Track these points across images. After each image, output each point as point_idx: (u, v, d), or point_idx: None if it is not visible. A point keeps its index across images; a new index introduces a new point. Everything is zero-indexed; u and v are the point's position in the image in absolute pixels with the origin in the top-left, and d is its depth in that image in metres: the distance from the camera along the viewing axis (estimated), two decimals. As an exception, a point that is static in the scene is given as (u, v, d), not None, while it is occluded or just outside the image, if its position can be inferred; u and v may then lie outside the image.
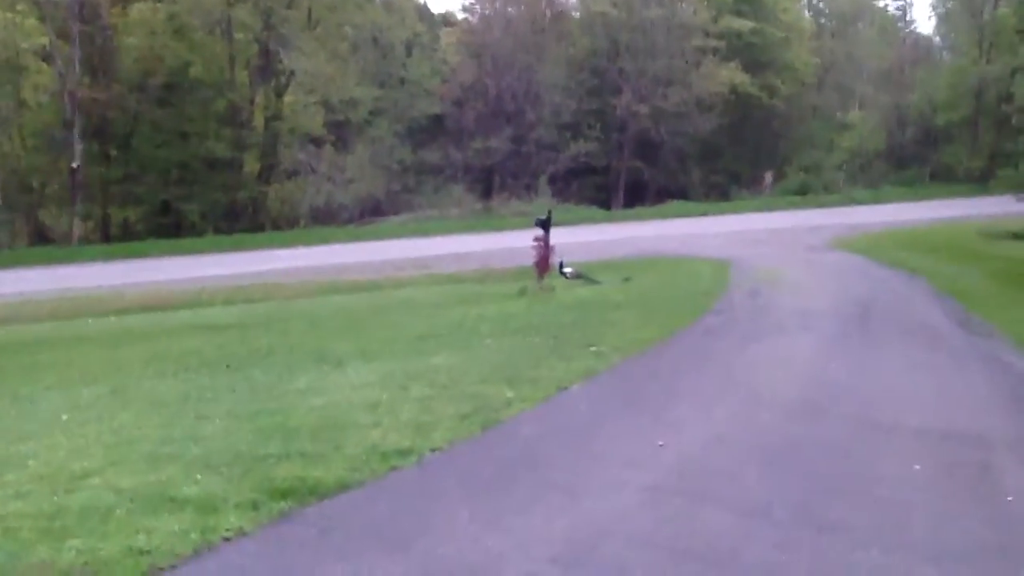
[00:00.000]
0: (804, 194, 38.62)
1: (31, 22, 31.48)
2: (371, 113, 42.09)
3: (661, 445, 5.55)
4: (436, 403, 6.30)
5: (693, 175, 43.67)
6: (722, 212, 33.76)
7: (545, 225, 14.17)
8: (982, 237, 22.11)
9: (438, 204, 38.61)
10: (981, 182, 35.55)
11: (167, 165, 34.99)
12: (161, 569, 3.54)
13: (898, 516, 4.54)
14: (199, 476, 4.62)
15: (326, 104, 38.42)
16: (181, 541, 3.75)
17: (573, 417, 6.31)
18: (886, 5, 54.42)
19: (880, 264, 17.01)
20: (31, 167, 33.25)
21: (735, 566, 3.89)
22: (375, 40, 43.13)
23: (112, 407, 7.28)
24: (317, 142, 38.36)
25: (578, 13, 46.24)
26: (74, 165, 31.31)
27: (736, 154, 45.43)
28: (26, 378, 9.98)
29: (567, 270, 15.24)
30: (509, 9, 44.70)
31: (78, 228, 32.35)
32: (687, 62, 41.67)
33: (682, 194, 40.82)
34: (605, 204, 39.80)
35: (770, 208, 34.14)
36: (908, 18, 59.89)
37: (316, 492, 4.44)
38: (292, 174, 38.74)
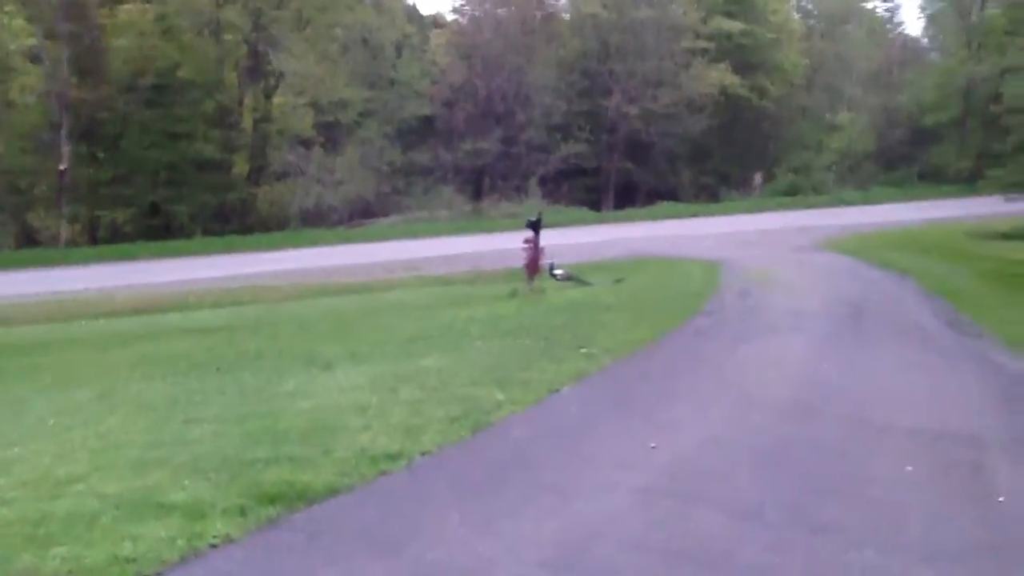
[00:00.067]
0: (794, 195, 38.75)
1: (19, 22, 31.26)
2: (361, 114, 41.99)
3: (653, 447, 5.53)
4: (426, 406, 6.26)
5: (683, 176, 43.73)
6: (712, 213, 33.82)
7: (535, 227, 14.14)
8: (971, 237, 22.20)
9: (428, 206, 38.53)
10: (970, 182, 35.71)
11: (156, 166, 34.76)
12: (147, 577, 3.50)
13: (892, 516, 4.53)
14: (186, 481, 4.57)
15: (315, 105, 38.32)
16: (167, 548, 3.70)
17: (564, 419, 6.29)
18: (875, 7, 54.87)
19: (870, 265, 17.05)
20: (19, 169, 32.98)
21: (728, 568, 3.87)
22: (365, 41, 43.06)
23: (99, 411, 7.21)
24: (307, 143, 38.28)
25: (568, 15, 46.23)
26: (62, 167, 31.13)
27: (726, 155, 45.49)
28: (13, 381, 9.92)
29: (557, 272, 15.22)
30: (499, 10, 44.61)
31: (66, 230, 32.18)
32: (677, 63, 41.68)
33: (672, 195, 40.86)
34: (595, 205, 39.81)
35: (760, 209, 34.23)
36: (896, 19, 60.23)
37: (305, 497, 4.39)
38: (281, 176, 38.62)
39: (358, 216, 38.62)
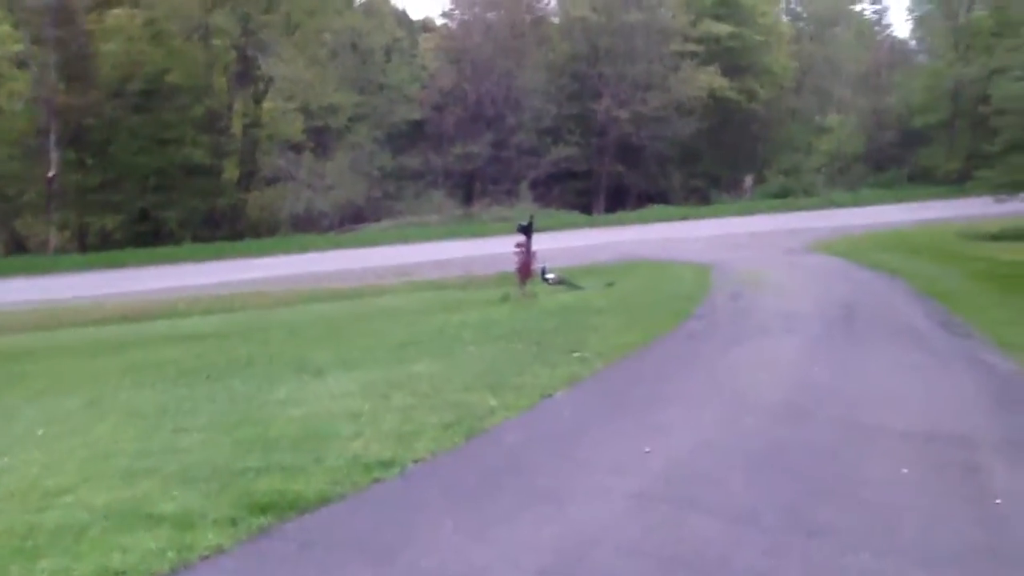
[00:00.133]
0: (784, 197, 38.80)
1: (6, 28, 31.10)
2: (351, 119, 41.92)
3: (647, 451, 5.51)
4: (418, 412, 6.22)
5: (673, 179, 43.78)
6: (703, 216, 33.85)
7: (527, 231, 14.11)
8: (962, 238, 22.27)
9: (419, 210, 38.44)
10: (959, 183, 35.82)
11: (145, 172, 34.60)
12: (136, 589, 3.45)
13: (888, 519, 4.51)
14: (176, 491, 4.53)
15: (305, 110, 38.25)
16: (157, 560, 3.66)
17: (558, 424, 6.25)
18: (863, 9, 54.91)
19: (861, 266, 17.08)
20: (7, 175, 32.71)
21: (725, 573, 3.85)
22: (354, 46, 42.97)
23: (88, 419, 7.16)
24: (296, 148, 38.19)
25: (557, 18, 46.26)
26: (50, 173, 30.97)
27: (716, 158, 45.57)
28: (2, 390, 9.84)
29: (549, 276, 15.18)
30: (488, 14, 44.61)
31: (55, 237, 32.00)
32: (666, 66, 41.72)
33: (663, 198, 40.87)
34: (586, 209, 39.79)
35: (750, 212, 34.27)
36: (884, 22, 60.49)
37: (296, 506, 4.35)
38: (271, 181, 38.51)
39: (349, 221, 38.53)
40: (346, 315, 14.78)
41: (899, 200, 34.88)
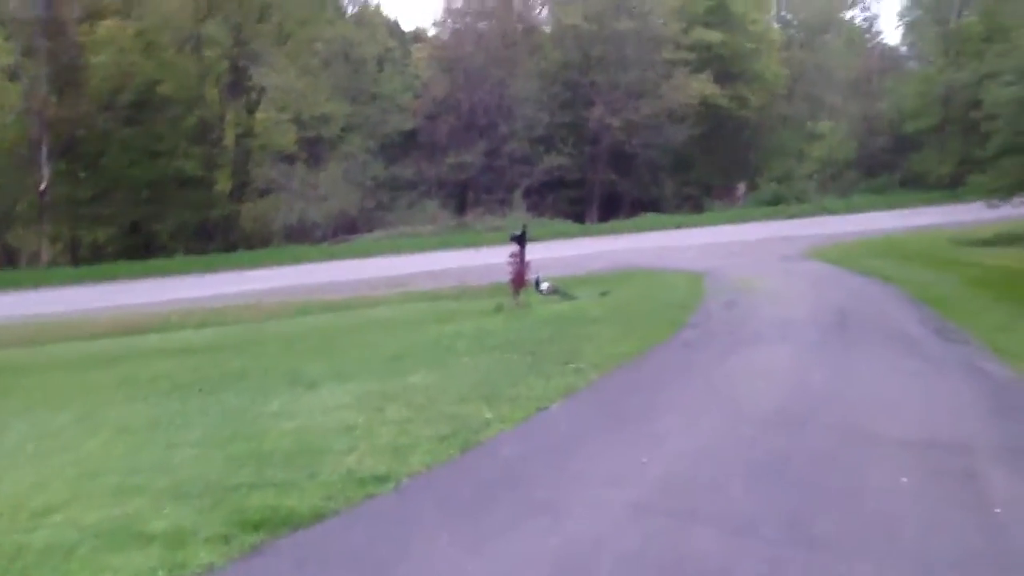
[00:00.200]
0: (776, 204, 38.80)
1: (-4, 41, 31.13)
2: (343, 129, 41.90)
3: (644, 462, 5.46)
4: (413, 425, 6.17)
5: (666, 187, 43.83)
6: (696, 224, 33.87)
7: (520, 240, 14.07)
8: (955, 244, 22.29)
9: (412, 220, 38.38)
10: (951, 188, 35.93)
11: (137, 184, 34.52)
12: (127, 610, 3.40)
13: (888, 528, 4.48)
14: (168, 508, 4.47)
15: (298, 120, 38.22)
16: (148, 579, 3.60)
17: (554, 436, 6.21)
18: (853, 16, 55.11)
19: (855, 273, 17.07)
20: (-3, 188, 32.76)
21: (724, 589, 3.81)
22: (346, 56, 43.00)
23: (79, 435, 7.08)
24: (289, 159, 38.15)
25: (549, 27, 46.35)
26: (42, 186, 30.88)
27: (708, 165, 45.65)
28: (-8, 406, 9.75)
29: (543, 286, 15.13)
30: (480, 24, 44.67)
31: (47, 250, 31.90)
32: (658, 74, 41.78)
33: (656, 206, 40.90)
34: (580, 217, 39.80)
35: (743, 219, 34.30)
36: (875, 28, 60.73)
37: (290, 523, 4.29)
38: (264, 192, 38.47)
39: (342, 232, 38.47)
40: (340, 327, 14.72)
41: (891, 206, 34.95)
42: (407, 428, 6.08)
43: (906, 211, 32.28)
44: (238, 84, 36.34)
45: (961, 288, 15.04)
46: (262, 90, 36.47)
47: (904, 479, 5.27)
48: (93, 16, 33.61)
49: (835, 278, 16.78)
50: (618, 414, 6.88)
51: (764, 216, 34.86)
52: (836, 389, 7.81)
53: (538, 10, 47.23)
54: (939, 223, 27.00)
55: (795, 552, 4.13)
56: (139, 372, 10.97)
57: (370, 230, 38.35)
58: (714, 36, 43.27)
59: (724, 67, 43.84)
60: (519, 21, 45.43)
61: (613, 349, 9.37)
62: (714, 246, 24.30)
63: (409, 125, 44.06)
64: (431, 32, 48.48)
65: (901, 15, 49.80)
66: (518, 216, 33.42)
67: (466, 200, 42.02)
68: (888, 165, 44.29)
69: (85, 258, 33.12)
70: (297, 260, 28.85)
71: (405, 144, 44.15)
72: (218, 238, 35.28)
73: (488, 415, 6.45)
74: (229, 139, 36.96)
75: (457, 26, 45.20)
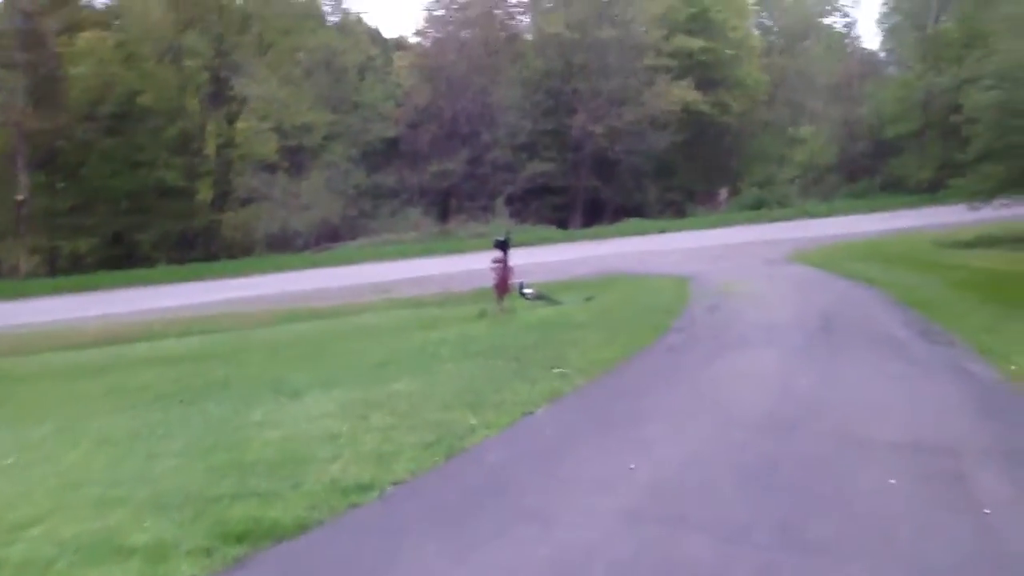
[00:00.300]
0: (759, 208, 38.98)
1: (-27, 53, 30.85)
2: (325, 138, 41.80)
3: (632, 468, 5.41)
4: (398, 432, 6.10)
5: (649, 193, 43.93)
6: (679, 229, 33.93)
7: (504, 246, 14.03)
8: (936, 247, 22.39)
9: (395, 228, 38.32)
10: (930, 192, 36.17)
11: (118, 195, 34.36)
12: (105, 626, 3.31)
13: (881, 532, 4.44)
14: (148, 521, 4.37)
15: (279, 130, 38.13)
16: (127, 594, 3.52)
17: (540, 442, 6.15)
18: (832, 22, 55.47)
19: (838, 276, 17.10)
20: (-24, 200, 32.42)
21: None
22: (328, 64, 42.91)
23: (60, 446, 6.96)
24: (271, 168, 38.03)
25: (531, 35, 46.43)
26: (20, 197, 30.62)
27: (691, 171, 45.82)
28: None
29: (527, 291, 15.09)
30: (462, 32, 44.72)
31: (26, 262, 31.62)
32: (640, 81, 41.93)
33: (639, 212, 40.97)
34: (563, 224, 39.82)
35: (726, 223, 34.40)
36: (854, 34, 61.08)
37: (273, 534, 4.21)
38: (246, 201, 38.32)
39: (325, 240, 38.35)
40: (324, 334, 14.63)
41: (872, 210, 35.13)
42: (391, 435, 6.01)
43: (887, 214, 32.43)
44: (219, 94, 36.20)
45: (945, 290, 15.08)
46: (243, 100, 36.37)
47: (893, 481, 5.24)
48: (72, 28, 33.47)
49: (819, 281, 16.81)
50: (605, 419, 6.83)
51: (747, 220, 34.98)
52: (823, 393, 7.78)
53: (520, 18, 47.36)
54: (920, 226, 27.14)
55: (788, 557, 4.09)
56: (121, 383, 10.87)
57: (353, 238, 38.27)
58: (695, 43, 43.50)
59: (705, 74, 44.07)
60: (501, 29, 45.50)
61: (598, 354, 9.33)
62: (697, 250, 24.33)
63: (391, 133, 44.00)
64: (413, 40, 48.51)
65: (880, 21, 50.20)
66: (501, 223, 33.41)
67: (449, 207, 42.00)
68: (869, 169, 44.61)
69: (64, 269, 32.90)
70: (280, 269, 28.71)
71: (387, 152, 44.07)
72: (200, 247, 35.11)
73: (473, 421, 6.39)
74: (210, 149, 36.83)
75: (439, 34, 45.26)
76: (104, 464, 5.99)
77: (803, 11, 54.31)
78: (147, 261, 33.72)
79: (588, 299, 15.39)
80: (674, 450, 5.93)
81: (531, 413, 6.81)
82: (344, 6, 51.03)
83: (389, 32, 66.60)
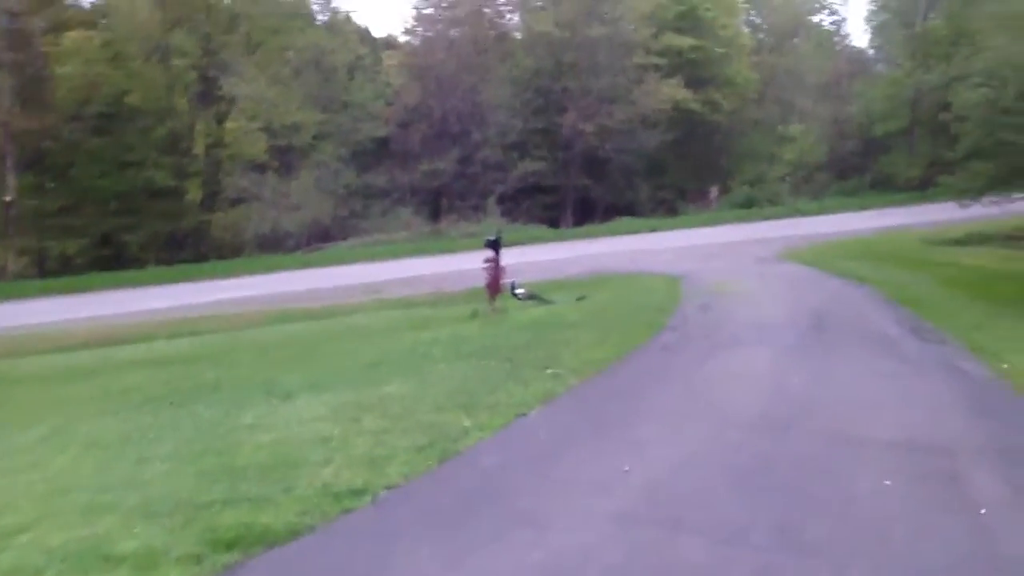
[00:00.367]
0: (749, 207, 39.01)
1: (-40, 54, 30.63)
2: (315, 137, 41.57)
3: (627, 470, 5.38)
4: (390, 435, 6.05)
5: (640, 191, 43.89)
6: (671, 227, 33.90)
7: (495, 246, 13.98)
8: (926, 244, 22.45)
9: (386, 228, 38.16)
10: (920, 190, 36.25)
11: (106, 195, 34.13)
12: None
13: (877, 533, 4.42)
14: (137, 528, 4.32)
15: (269, 129, 37.95)
16: (116, 604, 3.46)
17: (534, 444, 6.11)
18: (821, 20, 55.54)
19: (830, 274, 17.11)
20: (-38, 201, 32.16)
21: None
22: (317, 64, 42.71)
23: (48, 451, 6.89)
24: (260, 168, 37.83)
25: (521, 33, 46.34)
26: (7, 198, 30.43)
27: (682, 169, 45.80)
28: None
29: (519, 291, 15.04)
30: (452, 31, 44.59)
31: (13, 263, 31.42)
32: (630, 79, 41.85)
33: (630, 211, 40.92)
34: (554, 223, 39.76)
35: (717, 222, 34.41)
36: (843, 32, 61.19)
37: (264, 540, 4.17)
38: (236, 201, 38.11)
39: (315, 240, 38.19)
40: (315, 335, 14.55)
41: (862, 207, 35.20)
42: (384, 439, 5.96)
43: (877, 212, 32.51)
44: (208, 94, 36.04)
45: (936, 288, 15.11)
46: (232, 99, 36.20)
47: (888, 481, 5.22)
48: (59, 27, 33.25)
49: (811, 280, 16.81)
50: (599, 420, 6.80)
51: (738, 219, 35.00)
52: (816, 392, 7.77)
53: (509, 17, 47.25)
54: (910, 223, 27.21)
55: (786, 558, 4.06)
56: (111, 385, 10.79)
57: (344, 238, 38.11)
58: (685, 41, 43.45)
59: (695, 72, 44.04)
60: (490, 28, 45.37)
61: (591, 354, 9.30)
62: (689, 249, 24.32)
63: (381, 133, 43.80)
64: (402, 39, 48.32)
65: (868, 19, 50.27)
66: (492, 222, 33.34)
67: (440, 207, 41.85)
68: (858, 167, 44.71)
69: (53, 270, 32.68)
70: (270, 269, 28.58)
71: (377, 152, 43.89)
72: (189, 248, 34.95)
73: (466, 423, 6.35)
74: (199, 149, 36.67)
75: (428, 33, 45.07)
76: (93, 469, 5.93)
77: (792, 9, 54.33)
78: (136, 262, 33.52)
79: (580, 298, 15.36)
80: (668, 451, 5.90)
81: (524, 415, 6.77)
82: (333, 5, 50.76)
83: (378, 31, 66.47)
